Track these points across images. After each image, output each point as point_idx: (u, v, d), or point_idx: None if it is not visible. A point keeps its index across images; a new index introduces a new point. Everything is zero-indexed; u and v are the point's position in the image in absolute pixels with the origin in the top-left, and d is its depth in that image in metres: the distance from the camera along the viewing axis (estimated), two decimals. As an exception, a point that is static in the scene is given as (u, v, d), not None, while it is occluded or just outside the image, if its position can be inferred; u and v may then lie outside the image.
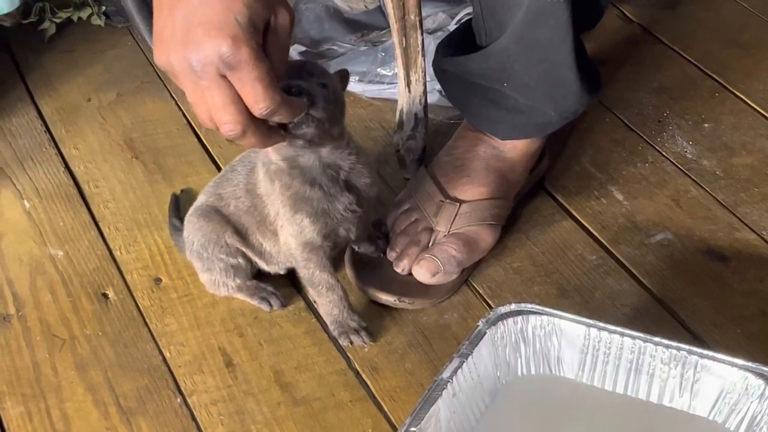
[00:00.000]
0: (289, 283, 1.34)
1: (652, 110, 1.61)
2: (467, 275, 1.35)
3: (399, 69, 1.44)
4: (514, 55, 1.30)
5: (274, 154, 1.21)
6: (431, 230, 1.34)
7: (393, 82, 1.60)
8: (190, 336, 1.29)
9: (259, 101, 0.98)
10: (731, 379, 1.12)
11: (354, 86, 1.63)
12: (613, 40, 1.76)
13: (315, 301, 1.30)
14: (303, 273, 1.27)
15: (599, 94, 1.39)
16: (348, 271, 1.34)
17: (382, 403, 1.21)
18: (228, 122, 0.99)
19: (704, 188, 1.47)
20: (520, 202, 1.44)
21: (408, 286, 1.32)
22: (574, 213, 1.44)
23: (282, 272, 1.33)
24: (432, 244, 1.33)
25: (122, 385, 1.23)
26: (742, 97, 1.63)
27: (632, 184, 1.48)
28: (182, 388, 1.23)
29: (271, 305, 1.30)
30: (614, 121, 1.60)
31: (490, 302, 1.32)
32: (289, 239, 1.24)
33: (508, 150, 1.38)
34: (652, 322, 1.28)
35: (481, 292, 1.34)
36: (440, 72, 1.42)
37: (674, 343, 1.15)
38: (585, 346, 1.18)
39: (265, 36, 0.99)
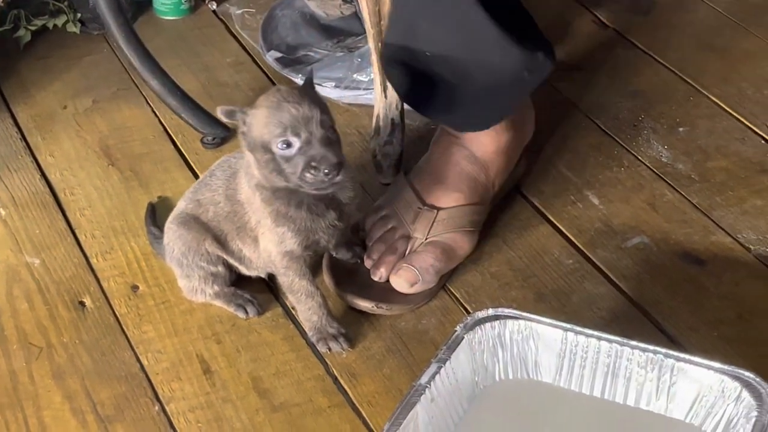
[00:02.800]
0: (267, 289, 1.34)
1: (628, 115, 1.62)
2: (445, 280, 1.35)
3: (375, 75, 1.44)
4: (417, 9, 1.28)
5: (258, 172, 1.21)
6: (408, 237, 1.35)
7: (369, 88, 1.60)
8: (167, 343, 1.29)
9: None
10: (707, 382, 1.13)
11: (330, 92, 1.63)
12: (588, 45, 1.77)
13: (293, 308, 1.30)
14: (282, 280, 1.27)
15: (543, 54, 1.32)
16: (326, 277, 1.34)
17: (361, 409, 1.21)
18: None
19: (679, 192, 1.48)
20: (497, 207, 1.45)
21: (386, 292, 1.32)
22: (550, 217, 1.45)
23: (263, 275, 1.33)
24: (410, 252, 1.34)
25: (100, 393, 1.23)
26: (717, 101, 1.64)
27: (608, 189, 1.49)
28: (160, 396, 1.23)
29: (247, 312, 1.30)
30: (590, 125, 1.60)
31: (467, 307, 1.32)
32: (270, 247, 1.24)
33: (476, 148, 1.38)
34: (628, 325, 1.28)
35: (458, 296, 1.34)
36: (388, 72, 1.39)
37: (651, 347, 1.15)
38: (562, 350, 1.18)
39: None
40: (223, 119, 1.20)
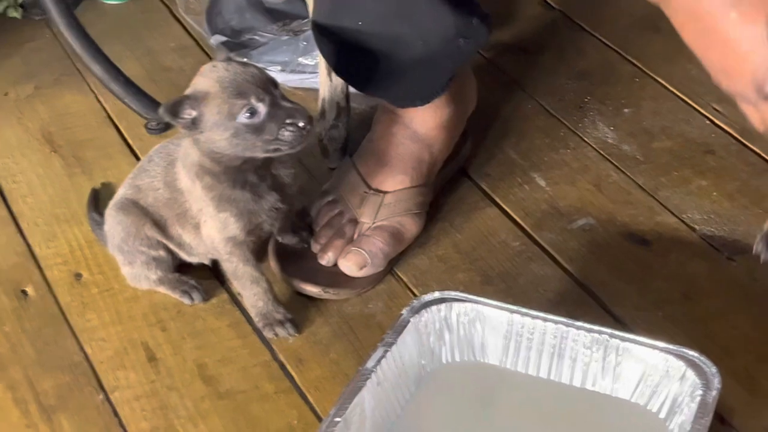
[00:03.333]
0: (212, 276, 1.33)
1: (574, 96, 1.62)
2: (392, 265, 1.35)
3: (320, 58, 1.43)
4: None
5: (197, 153, 1.19)
6: (356, 222, 1.34)
7: (315, 72, 1.59)
8: (111, 331, 1.27)
9: None
10: (652, 362, 1.14)
11: (276, 76, 1.58)
12: (534, 27, 1.77)
13: (239, 294, 1.29)
14: (226, 266, 1.26)
15: (479, 20, 1.30)
16: (272, 262, 1.34)
17: (307, 394, 1.20)
18: None
19: (625, 173, 1.48)
20: (444, 191, 1.44)
21: (333, 276, 1.31)
22: (497, 200, 1.45)
23: (206, 262, 1.32)
24: (357, 236, 1.33)
25: (43, 383, 1.21)
26: (662, 81, 1.64)
27: (554, 170, 1.49)
28: (104, 384, 1.21)
29: (192, 298, 1.29)
30: (536, 107, 1.60)
31: (414, 291, 1.32)
32: (213, 233, 1.23)
33: (418, 125, 1.36)
34: (575, 306, 1.28)
35: (405, 280, 1.34)
36: (322, 48, 1.37)
37: (596, 327, 1.16)
38: (508, 332, 1.18)
39: None
40: (170, 119, 1.16)
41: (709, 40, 1.11)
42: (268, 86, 1.17)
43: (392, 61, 1.30)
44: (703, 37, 1.11)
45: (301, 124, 1.15)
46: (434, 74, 1.32)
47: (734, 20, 1.05)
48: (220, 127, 1.15)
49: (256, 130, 1.15)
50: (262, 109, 1.15)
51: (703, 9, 1.08)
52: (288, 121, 1.15)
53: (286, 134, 1.15)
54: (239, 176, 1.20)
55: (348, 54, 1.31)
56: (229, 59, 1.21)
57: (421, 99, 1.34)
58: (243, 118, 1.15)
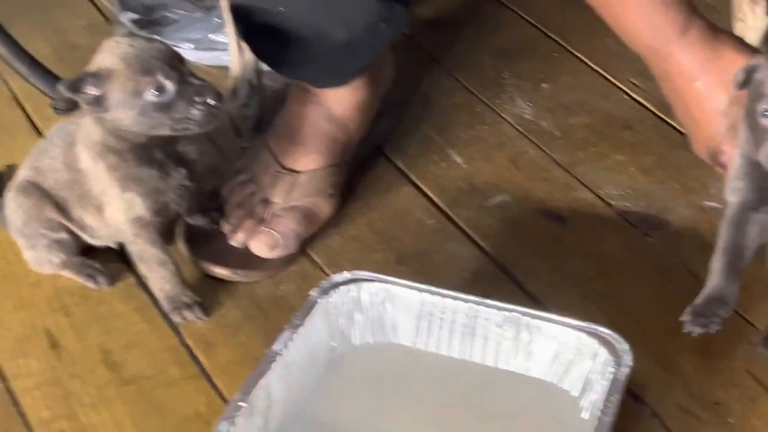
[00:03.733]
0: (118, 259, 1.29)
1: (492, 72, 1.60)
2: (305, 245, 1.32)
3: (230, 35, 1.40)
4: None
5: (99, 132, 1.16)
6: (268, 202, 1.31)
7: (228, 49, 1.55)
8: (13, 318, 1.23)
9: None
10: (565, 339, 1.12)
11: (189, 54, 1.57)
12: (453, 2, 1.74)
13: (146, 277, 1.25)
14: (132, 248, 1.22)
15: (400, 5, 1.30)
16: (180, 244, 1.30)
17: (216, 380, 1.17)
18: None
19: (542, 149, 1.46)
20: (360, 170, 1.42)
21: (243, 258, 1.28)
22: (413, 178, 1.42)
23: (112, 245, 1.28)
24: (269, 217, 1.30)
25: (-60, 373, 1.18)
26: (581, 57, 1.62)
27: (471, 147, 1.47)
28: (5, 373, 1.17)
29: (97, 282, 1.26)
30: (454, 84, 1.58)
31: (327, 271, 1.29)
32: (117, 214, 1.20)
33: (334, 105, 1.34)
34: (490, 284, 1.26)
35: (318, 261, 1.31)
36: (240, 28, 1.35)
37: (508, 306, 1.14)
38: (419, 311, 1.16)
39: None
40: (70, 95, 1.13)
41: (676, 100, 1.14)
42: (176, 62, 1.14)
43: (313, 45, 1.27)
44: (672, 95, 1.15)
45: (210, 102, 1.12)
46: (355, 57, 1.30)
47: (698, 89, 1.09)
48: (126, 105, 1.12)
49: (164, 108, 1.12)
50: (170, 86, 1.12)
51: (673, 71, 1.11)
52: (197, 99, 1.12)
53: (196, 113, 1.12)
54: (145, 153, 1.16)
55: (267, 36, 1.28)
56: (132, 34, 1.18)
57: (339, 80, 1.31)
58: (150, 95, 1.12)
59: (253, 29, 1.29)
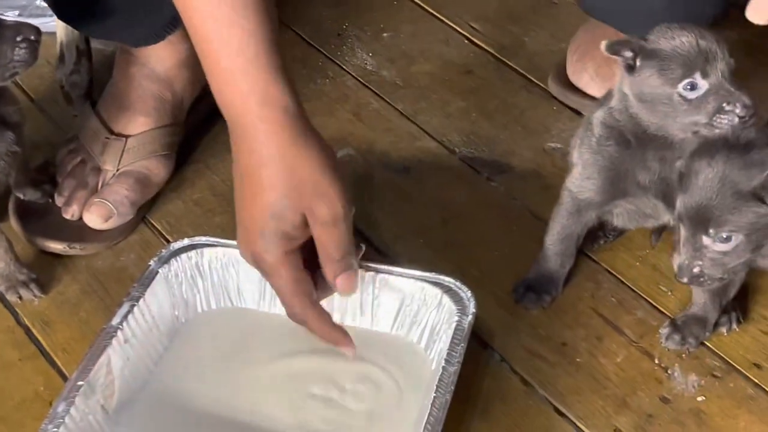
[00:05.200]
0: (-54, 240, 1.24)
1: (332, 24, 1.58)
2: (144, 212, 1.28)
3: (51, -1, 1.34)
4: None
5: None
6: (99, 170, 1.26)
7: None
8: None
9: (286, 308, 1.03)
10: (409, 291, 1.11)
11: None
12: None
13: (-23, 257, 1.20)
14: (-40, 227, 1.17)
15: None
16: (12, 220, 1.25)
17: (55, 358, 1.13)
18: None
19: (385, 99, 1.45)
20: (197, 131, 1.38)
21: (79, 230, 1.24)
22: (254, 136, 1.39)
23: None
24: (102, 186, 1.26)
25: None
26: (420, 3, 1.61)
27: (313, 102, 1.44)
28: None
29: None
30: (293, 38, 1.55)
31: (169, 238, 1.26)
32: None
33: (155, 64, 1.29)
34: (335, 241, 1.25)
35: (159, 228, 1.27)
36: None
37: (351, 262, 1.12)
38: (262, 274, 1.14)
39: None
40: None
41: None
42: None
43: (114, 1, 1.22)
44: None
45: (32, 38, 1.10)
46: (161, 7, 1.24)
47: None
48: None
49: None
50: None
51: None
52: (19, 38, 1.09)
53: (22, 52, 1.10)
54: None
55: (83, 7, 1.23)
56: None
57: (152, 36, 1.26)
58: None
59: None
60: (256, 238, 0.99)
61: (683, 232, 1.01)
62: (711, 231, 0.99)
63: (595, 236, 1.20)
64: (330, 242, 1.00)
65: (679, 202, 1.01)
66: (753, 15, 1.00)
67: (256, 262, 1.01)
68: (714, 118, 1.03)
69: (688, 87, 1.04)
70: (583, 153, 1.14)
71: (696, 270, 1.01)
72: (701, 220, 0.99)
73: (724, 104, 1.03)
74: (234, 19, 0.96)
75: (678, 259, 1.02)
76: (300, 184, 0.97)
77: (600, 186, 1.13)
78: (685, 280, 1.02)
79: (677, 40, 1.04)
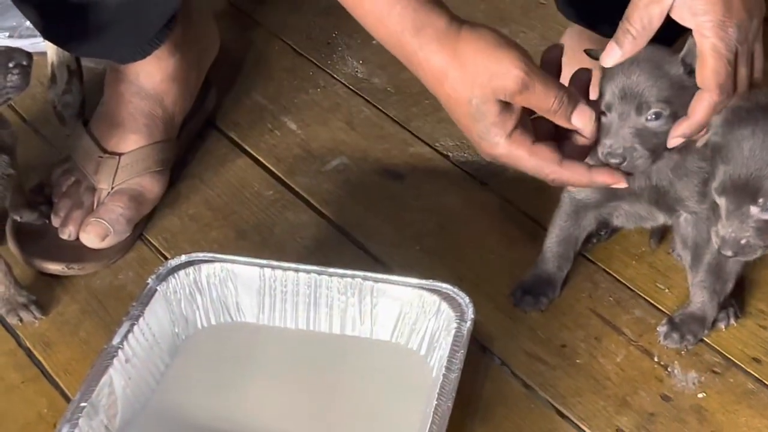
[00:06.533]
0: (-55, 266, 1.24)
1: (321, 32, 1.58)
2: (141, 230, 1.29)
3: (41, 19, 1.34)
4: None
5: None
6: (94, 189, 1.27)
7: (45, 34, 1.50)
8: None
9: (545, 180, 1.03)
10: (408, 299, 1.12)
11: (5, 43, 1.51)
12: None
13: (-24, 281, 1.21)
14: (-42, 252, 1.18)
15: None
16: (10, 243, 1.25)
17: (57, 379, 1.13)
18: None
19: (377, 107, 1.45)
20: (192, 146, 1.38)
21: (76, 251, 1.24)
22: (248, 149, 1.39)
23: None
24: (97, 205, 1.26)
25: None
26: (409, 9, 1.61)
27: (305, 112, 1.44)
28: None
29: None
30: (283, 48, 1.55)
31: (166, 255, 1.26)
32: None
33: (144, 80, 1.30)
34: (332, 250, 1.25)
35: (156, 245, 1.28)
36: (21, 6, 1.27)
37: (348, 272, 1.13)
38: (261, 287, 1.14)
39: None
40: None
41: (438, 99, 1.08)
42: None
43: (95, 16, 1.21)
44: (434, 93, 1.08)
45: (24, 63, 1.10)
46: (145, 22, 1.25)
47: (447, 92, 1.02)
48: None
49: None
50: None
51: (420, 70, 1.06)
52: (11, 64, 1.09)
53: (14, 78, 1.10)
54: None
55: (51, 14, 1.22)
56: None
57: (139, 52, 1.27)
58: None
59: (37, 12, 1.23)
60: (480, 142, 1.02)
61: (725, 204, 0.99)
62: (761, 200, 0.97)
63: (588, 236, 1.21)
64: (532, 103, 1.01)
65: (722, 174, 0.99)
66: (603, 56, 1.05)
67: (495, 158, 1.03)
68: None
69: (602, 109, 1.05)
70: None
71: (743, 241, 0.99)
72: (749, 191, 0.97)
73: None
74: None
75: (722, 232, 1.00)
76: (496, 77, 0.99)
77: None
78: (730, 253, 1.00)
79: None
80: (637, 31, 1.02)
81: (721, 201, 1.00)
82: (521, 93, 0.99)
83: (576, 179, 1.03)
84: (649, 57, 1.03)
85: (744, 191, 0.98)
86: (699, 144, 1.04)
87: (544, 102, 1.00)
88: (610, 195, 1.13)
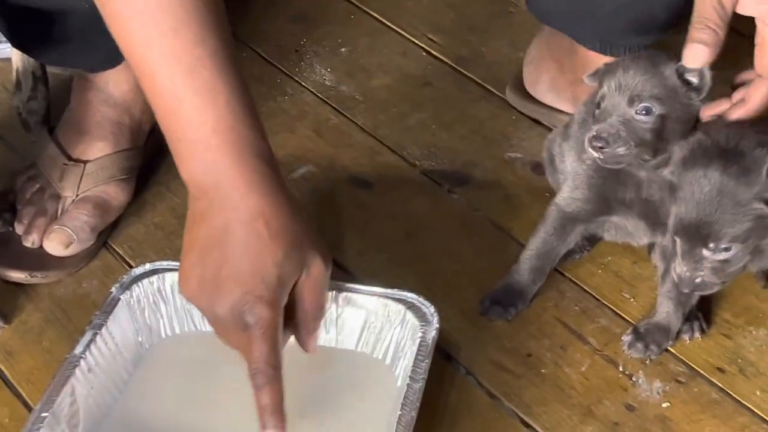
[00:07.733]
0: None
1: (290, 40, 1.57)
2: (105, 237, 1.28)
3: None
4: None
5: None
6: (59, 197, 1.26)
7: (9, 40, 1.48)
8: None
9: (262, 358, 0.97)
10: (373, 308, 1.11)
11: (-29, 48, 1.51)
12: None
13: (-62, 290, 1.20)
14: None
15: None
16: (-27, 251, 1.25)
17: (19, 389, 1.12)
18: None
19: (344, 115, 1.45)
20: (158, 153, 1.37)
21: (39, 258, 1.23)
22: (215, 157, 1.39)
23: None
24: (61, 212, 1.25)
25: None
26: (377, 16, 1.61)
27: (273, 120, 1.44)
28: None
29: None
30: (251, 55, 1.55)
31: (131, 263, 1.25)
32: None
33: (112, 89, 1.29)
34: (299, 260, 1.25)
35: (121, 253, 1.27)
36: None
37: (313, 281, 1.12)
38: (226, 296, 1.14)
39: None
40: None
41: None
42: None
43: (64, 24, 1.21)
44: None
45: None
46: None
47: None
48: None
49: None
50: None
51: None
52: None
53: None
54: None
55: (20, 21, 1.21)
56: None
57: (108, 61, 1.26)
58: None
59: (3, 18, 1.22)
60: (257, 284, 0.94)
61: (680, 244, 1.00)
62: (711, 245, 0.97)
63: (568, 252, 1.20)
64: (314, 300, 0.99)
65: (674, 216, 0.99)
66: (688, 60, 1.04)
67: (251, 305, 0.95)
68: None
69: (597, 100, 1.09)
70: (573, 164, 1.16)
71: (698, 281, 1.00)
72: (700, 235, 0.97)
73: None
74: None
75: (678, 270, 1.01)
76: (298, 237, 0.97)
77: (588, 197, 1.14)
78: (687, 290, 1.02)
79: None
80: (715, 23, 1.02)
81: (677, 240, 1.00)
82: (317, 282, 0.98)
83: (276, 389, 0.97)
84: (649, 57, 1.07)
85: (696, 235, 0.98)
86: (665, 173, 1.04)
87: (319, 307, 0.99)
88: (602, 208, 1.13)
